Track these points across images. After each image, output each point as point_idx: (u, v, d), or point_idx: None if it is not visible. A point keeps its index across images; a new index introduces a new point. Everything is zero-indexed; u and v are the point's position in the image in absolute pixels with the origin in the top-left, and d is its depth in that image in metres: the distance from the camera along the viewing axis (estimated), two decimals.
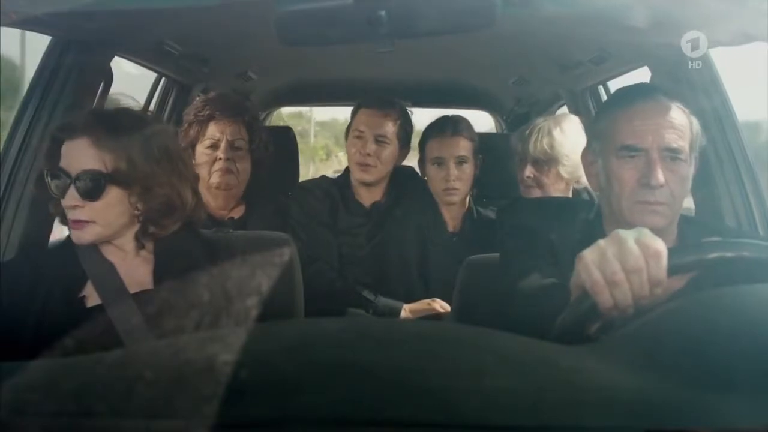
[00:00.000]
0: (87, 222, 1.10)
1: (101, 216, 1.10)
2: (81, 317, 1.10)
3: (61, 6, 1.19)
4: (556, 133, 1.73)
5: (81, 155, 1.09)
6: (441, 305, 1.73)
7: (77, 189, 1.08)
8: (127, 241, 1.16)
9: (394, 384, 0.45)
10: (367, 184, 1.86)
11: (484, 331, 0.59)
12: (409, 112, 1.91)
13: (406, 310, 1.76)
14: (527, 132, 1.77)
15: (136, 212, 1.13)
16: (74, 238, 1.12)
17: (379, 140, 1.81)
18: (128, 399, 0.40)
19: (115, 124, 1.11)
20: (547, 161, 1.74)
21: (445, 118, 1.87)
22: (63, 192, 1.10)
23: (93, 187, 1.08)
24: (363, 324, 0.90)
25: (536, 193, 1.77)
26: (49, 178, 1.12)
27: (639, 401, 0.47)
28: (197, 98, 1.89)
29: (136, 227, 1.15)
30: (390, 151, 1.83)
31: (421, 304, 1.76)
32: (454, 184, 1.78)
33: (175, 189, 1.14)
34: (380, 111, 1.82)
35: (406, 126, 1.87)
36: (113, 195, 1.10)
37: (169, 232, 1.16)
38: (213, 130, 1.72)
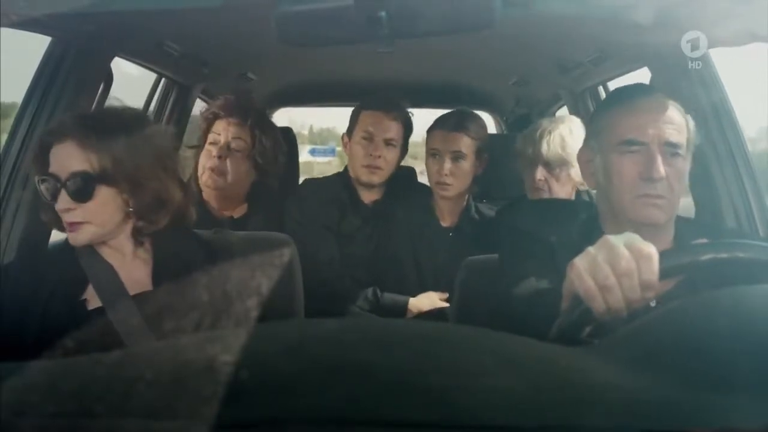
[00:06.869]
0: (81, 223, 1.10)
1: (95, 216, 1.10)
2: (81, 319, 1.10)
3: (61, 7, 1.19)
4: (567, 135, 1.73)
5: (69, 158, 1.09)
6: (440, 297, 1.76)
7: (68, 191, 1.08)
8: (124, 240, 1.16)
9: (394, 384, 0.45)
10: (371, 186, 1.87)
11: (484, 331, 0.59)
12: (410, 114, 1.92)
13: (411, 304, 1.77)
14: (537, 134, 1.76)
15: (129, 209, 1.13)
16: (71, 240, 1.12)
17: (389, 143, 1.83)
18: (128, 399, 0.40)
19: (98, 125, 1.11)
20: (560, 164, 1.73)
21: (453, 112, 1.86)
22: (54, 196, 1.10)
23: (83, 188, 1.09)
24: (363, 324, 0.90)
25: (545, 196, 1.76)
26: (40, 184, 1.12)
27: (639, 401, 0.47)
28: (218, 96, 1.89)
29: (131, 225, 1.15)
30: (395, 154, 1.85)
31: (424, 298, 1.78)
32: (446, 179, 1.77)
33: (162, 183, 1.14)
34: (388, 114, 1.84)
35: (408, 128, 1.89)
36: (104, 194, 1.10)
37: (161, 227, 1.16)
38: (217, 129, 1.75)
